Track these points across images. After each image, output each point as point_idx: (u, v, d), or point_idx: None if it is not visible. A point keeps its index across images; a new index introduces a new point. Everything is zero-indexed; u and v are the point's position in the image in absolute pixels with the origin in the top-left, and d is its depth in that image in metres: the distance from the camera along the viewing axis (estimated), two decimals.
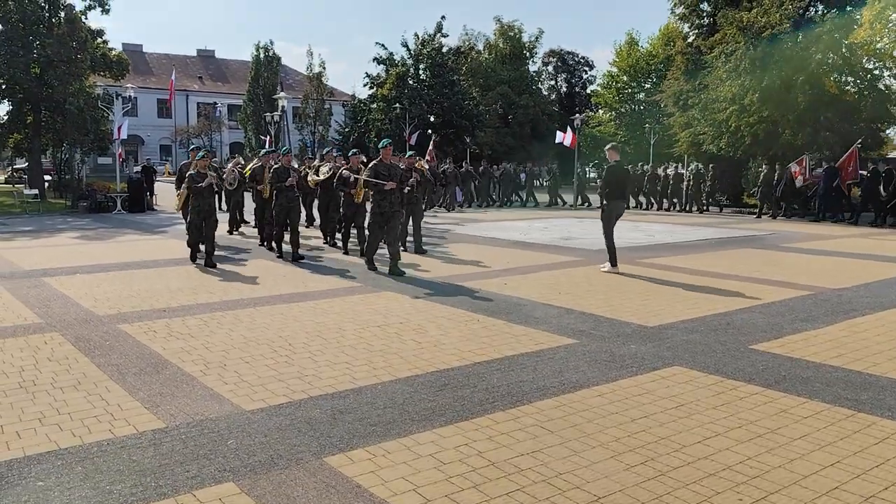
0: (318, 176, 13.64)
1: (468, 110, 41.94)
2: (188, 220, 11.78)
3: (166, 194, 26.73)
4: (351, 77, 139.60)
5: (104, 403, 4.99)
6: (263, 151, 12.80)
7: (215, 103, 59.16)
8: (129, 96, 26.71)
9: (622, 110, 52.07)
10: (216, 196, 13.15)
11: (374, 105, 42.20)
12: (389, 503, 3.59)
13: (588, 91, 58.27)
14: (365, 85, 44.21)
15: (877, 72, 25.45)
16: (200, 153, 12.28)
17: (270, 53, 49.36)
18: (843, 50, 24.47)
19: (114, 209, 23.96)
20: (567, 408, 4.96)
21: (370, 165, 11.23)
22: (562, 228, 18.83)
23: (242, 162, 17.24)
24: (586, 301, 8.70)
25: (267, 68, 48.87)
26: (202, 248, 11.65)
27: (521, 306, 8.33)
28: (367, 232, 11.47)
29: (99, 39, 31.29)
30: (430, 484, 3.81)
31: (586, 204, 29.50)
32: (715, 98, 26.91)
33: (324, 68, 49.31)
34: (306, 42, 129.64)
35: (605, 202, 10.99)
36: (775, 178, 23.09)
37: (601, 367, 5.93)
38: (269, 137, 40.10)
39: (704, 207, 26.34)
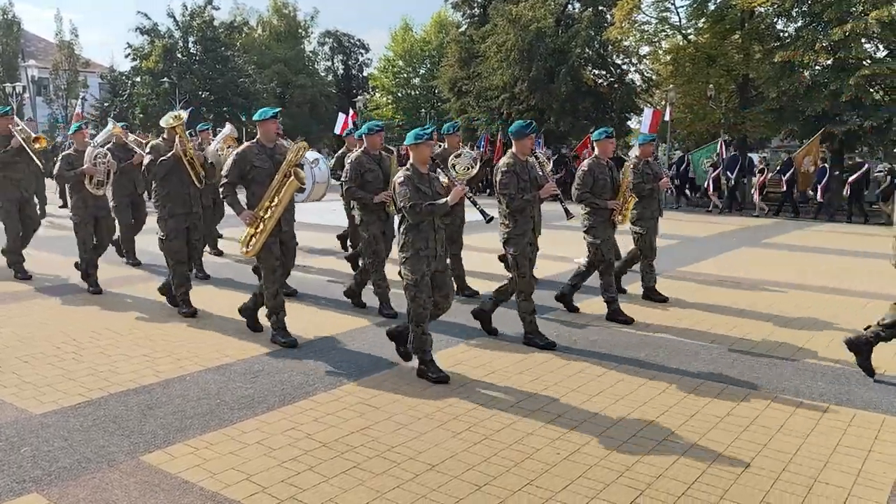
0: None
1: (244, 88, 40.18)
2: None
3: None
4: (108, 48, 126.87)
5: None
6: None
7: None
8: None
9: (399, 95, 53.04)
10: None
11: (139, 78, 38.94)
12: (223, 496, 3.44)
13: (365, 74, 58.49)
14: (127, 56, 40.60)
15: (625, 67, 28.50)
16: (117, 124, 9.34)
17: (10, 16, 43.40)
18: (597, 46, 27.08)
19: None
20: (388, 384, 5.05)
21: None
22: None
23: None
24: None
25: (6, 33, 42.92)
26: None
27: (326, 286, 8.26)
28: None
29: None
30: (263, 471, 3.70)
31: None
32: (488, 86, 28.42)
33: (76, 35, 44.49)
34: (52, 6, 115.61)
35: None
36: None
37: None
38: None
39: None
